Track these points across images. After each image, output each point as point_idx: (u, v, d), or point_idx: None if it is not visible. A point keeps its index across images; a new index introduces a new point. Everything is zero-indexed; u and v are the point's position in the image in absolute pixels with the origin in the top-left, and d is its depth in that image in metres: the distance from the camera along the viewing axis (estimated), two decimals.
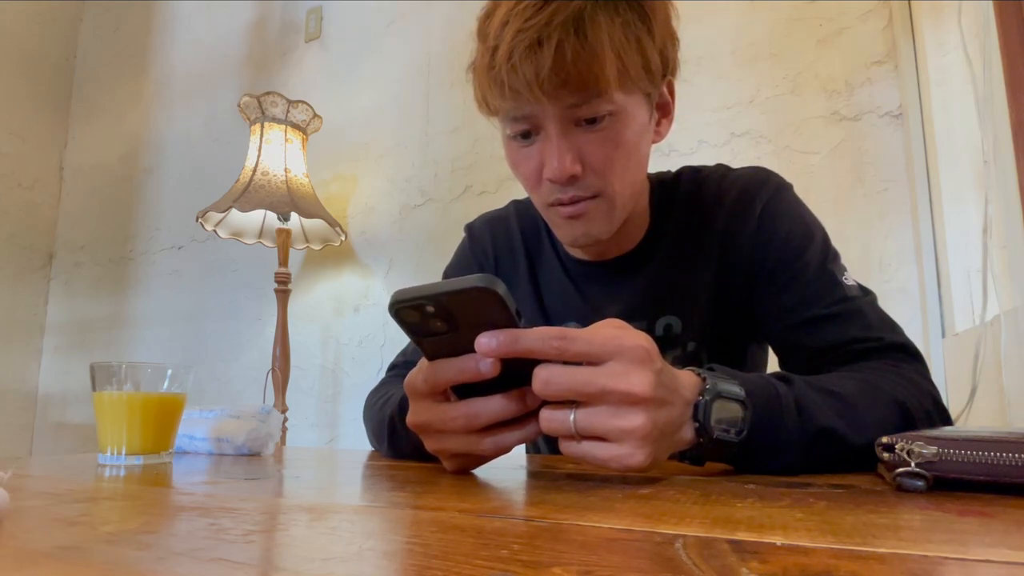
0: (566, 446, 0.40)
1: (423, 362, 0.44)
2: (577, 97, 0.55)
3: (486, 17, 0.57)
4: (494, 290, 0.36)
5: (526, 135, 0.60)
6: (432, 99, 1.87)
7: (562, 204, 0.60)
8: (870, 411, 0.48)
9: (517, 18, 0.52)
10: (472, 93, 0.61)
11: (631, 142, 0.59)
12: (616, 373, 0.37)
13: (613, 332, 0.39)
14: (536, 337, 0.38)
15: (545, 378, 0.38)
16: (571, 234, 0.63)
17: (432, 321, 0.38)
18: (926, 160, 1.18)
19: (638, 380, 0.37)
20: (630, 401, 0.38)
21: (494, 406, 0.41)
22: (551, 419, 0.39)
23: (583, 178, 0.59)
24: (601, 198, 0.60)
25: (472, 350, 0.38)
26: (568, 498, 0.34)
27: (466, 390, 0.42)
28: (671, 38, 0.60)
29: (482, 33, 0.56)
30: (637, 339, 0.39)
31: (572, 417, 0.38)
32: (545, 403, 0.41)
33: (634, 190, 0.63)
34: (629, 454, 0.38)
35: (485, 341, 0.38)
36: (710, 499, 0.34)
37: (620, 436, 0.38)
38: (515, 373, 0.39)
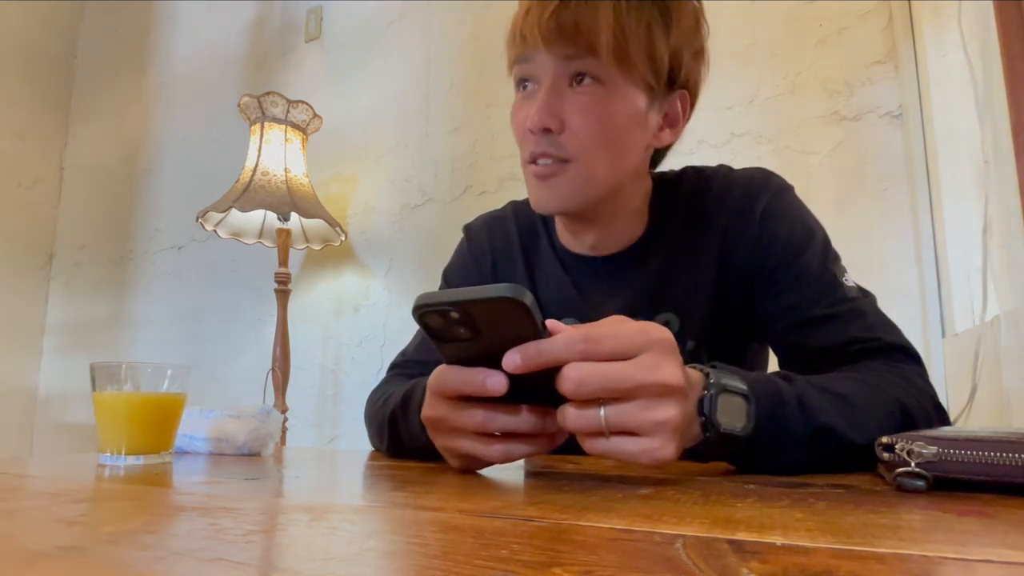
0: (592, 443, 0.39)
1: None
2: (570, 48, 0.57)
3: None
4: (522, 301, 0.35)
5: (526, 85, 0.62)
6: (432, 99, 1.87)
7: (535, 162, 0.61)
8: (871, 410, 0.48)
9: None
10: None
11: (617, 121, 0.60)
12: (648, 366, 0.37)
13: (637, 326, 0.39)
14: (560, 345, 0.37)
15: (577, 379, 0.37)
16: (538, 196, 0.63)
17: (455, 327, 0.37)
18: (926, 160, 1.18)
19: (671, 371, 0.38)
20: (665, 393, 0.37)
21: (512, 419, 0.41)
22: (580, 417, 0.38)
23: (559, 136, 0.60)
24: (572, 164, 0.61)
25: (492, 359, 0.38)
26: (568, 498, 0.34)
27: None
28: (690, 49, 0.62)
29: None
30: (662, 331, 0.39)
31: (603, 413, 0.38)
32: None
33: (613, 171, 0.63)
34: (659, 447, 0.38)
35: (510, 359, 0.37)
36: (710, 499, 0.34)
37: (652, 429, 0.38)
38: (534, 377, 0.39)
